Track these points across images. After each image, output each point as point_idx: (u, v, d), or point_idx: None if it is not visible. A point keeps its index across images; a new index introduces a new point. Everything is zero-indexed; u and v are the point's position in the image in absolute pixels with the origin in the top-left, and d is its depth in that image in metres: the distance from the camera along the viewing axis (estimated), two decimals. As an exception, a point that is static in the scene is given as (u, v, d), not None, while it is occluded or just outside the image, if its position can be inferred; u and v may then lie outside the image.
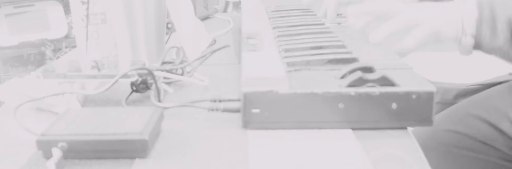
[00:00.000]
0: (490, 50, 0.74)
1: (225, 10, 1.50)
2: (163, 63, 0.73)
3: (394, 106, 0.54)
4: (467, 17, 0.72)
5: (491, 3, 0.72)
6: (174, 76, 0.69)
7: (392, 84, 0.54)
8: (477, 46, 0.74)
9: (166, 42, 0.89)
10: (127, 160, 0.49)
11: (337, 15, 0.96)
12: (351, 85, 0.54)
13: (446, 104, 1.04)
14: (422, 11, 0.76)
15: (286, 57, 0.67)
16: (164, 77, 0.69)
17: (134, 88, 0.67)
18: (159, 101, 0.64)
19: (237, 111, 0.57)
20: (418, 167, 0.47)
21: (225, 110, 0.58)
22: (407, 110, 0.54)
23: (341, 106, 0.54)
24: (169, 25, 0.92)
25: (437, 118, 0.56)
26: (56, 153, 0.47)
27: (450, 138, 0.93)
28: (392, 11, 0.77)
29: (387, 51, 0.72)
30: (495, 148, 0.90)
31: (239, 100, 0.58)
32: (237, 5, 1.48)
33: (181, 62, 0.74)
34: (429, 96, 0.54)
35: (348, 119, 0.54)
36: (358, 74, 0.55)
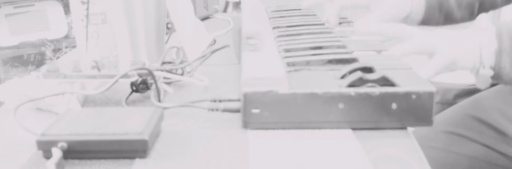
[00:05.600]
0: (510, 81, 0.71)
1: (225, 10, 1.50)
2: (163, 63, 0.73)
3: (394, 106, 0.54)
4: (486, 48, 0.69)
5: (511, 33, 0.69)
6: (174, 76, 0.69)
7: (392, 84, 0.54)
8: (496, 77, 0.71)
9: (166, 42, 0.89)
10: (127, 160, 0.49)
11: (340, 18, 0.95)
12: (351, 85, 0.54)
13: (446, 104, 1.04)
14: (437, 38, 0.72)
15: (286, 57, 0.67)
16: (164, 78, 0.69)
17: (134, 88, 0.67)
18: (159, 101, 0.64)
19: (237, 111, 0.57)
20: (418, 167, 0.47)
21: (225, 110, 0.58)
22: (407, 110, 0.54)
23: (341, 106, 0.54)
24: (169, 25, 0.92)
25: (437, 118, 0.56)
26: (56, 153, 0.47)
27: (449, 139, 0.93)
28: (405, 34, 0.74)
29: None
30: (495, 149, 0.90)
31: (239, 100, 0.58)
32: (237, 5, 1.48)
33: (181, 62, 0.74)
34: (429, 96, 0.54)
35: (348, 119, 0.54)
36: (358, 74, 0.55)
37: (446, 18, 0.92)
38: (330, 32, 0.83)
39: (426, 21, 0.91)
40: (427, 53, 0.72)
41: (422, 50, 0.72)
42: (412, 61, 0.68)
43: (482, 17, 0.73)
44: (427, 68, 0.70)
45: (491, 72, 0.70)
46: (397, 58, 0.69)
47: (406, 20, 0.91)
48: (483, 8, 0.92)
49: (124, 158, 0.49)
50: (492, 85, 1.00)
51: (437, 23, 0.92)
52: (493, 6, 0.93)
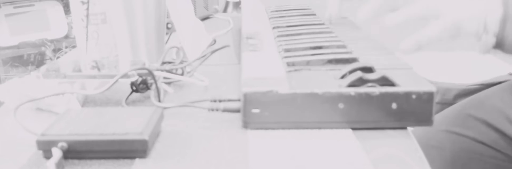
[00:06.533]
0: (511, 50, 0.70)
1: (225, 10, 1.50)
2: (163, 63, 0.73)
3: (394, 106, 0.54)
4: (491, 15, 0.67)
5: None
6: (174, 76, 0.69)
7: (392, 84, 0.54)
8: (498, 45, 0.69)
9: (166, 42, 0.89)
10: (127, 160, 0.49)
11: (341, 18, 0.95)
12: (351, 85, 0.54)
13: (446, 104, 1.04)
14: (443, 1, 0.70)
15: (286, 57, 0.67)
16: (164, 77, 0.69)
17: (134, 88, 0.67)
18: (159, 101, 0.64)
19: (237, 111, 0.57)
20: (418, 167, 0.47)
21: (225, 110, 0.58)
22: (407, 110, 0.54)
23: (341, 106, 0.54)
24: (169, 25, 0.92)
25: (436, 118, 0.56)
26: (56, 153, 0.47)
27: (449, 139, 0.93)
28: None
29: (387, 51, 0.72)
30: (495, 148, 0.90)
31: (239, 100, 0.58)
32: (237, 5, 1.48)
33: (181, 62, 0.74)
34: (429, 96, 0.54)
35: (348, 119, 0.54)
36: (358, 74, 0.55)
37: None
38: (330, 32, 0.83)
39: None
40: (431, 17, 0.70)
41: (426, 14, 0.70)
42: (412, 61, 0.68)
43: None
44: (429, 29, 0.69)
45: (494, 40, 0.69)
46: (400, 54, 0.68)
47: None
48: None
49: (124, 158, 0.49)
50: (492, 85, 1.00)
51: None
52: None
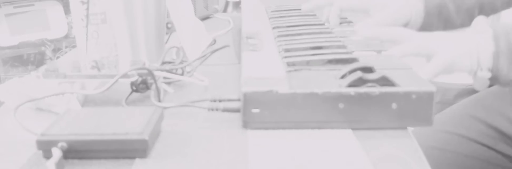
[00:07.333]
0: (507, 83, 0.72)
1: (225, 10, 1.50)
2: (163, 63, 0.73)
3: (394, 106, 0.54)
4: (483, 50, 0.69)
5: (508, 35, 0.69)
6: (174, 76, 0.69)
7: (392, 84, 0.54)
8: (494, 79, 0.71)
9: (166, 42, 0.89)
10: (127, 160, 0.49)
11: (341, 19, 0.95)
12: (351, 85, 0.54)
13: (446, 104, 1.04)
14: (434, 40, 0.72)
15: (286, 57, 0.67)
16: (164, 77, 0.69)
17: (134, 88, 0.67)
18: (159, 101, 0.64)
19: (237, 110, 0.57)
20: (418, 167, 0.47)
21: (225, 110, 0.58)
22: (407, 110, 0.54)
23: (341, 106, 0.54)
24: (169, 25, 0.92)
25: (436, 118, 0.56)
26: (56, 153, 0.47)
27: (449, 139, 0.93)
28: (402, 37, 0.74)
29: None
30: (494, 149, 0.90)
31: (239, 100, 0.58)
32: (237, 5, 1.48)
33: (181, 62, 0.74)
34: (429, 96, 0.54)
35: (348, 119, 0.54)
36: (358, 74, 0.55)
37: (446, 24, 0.92)
38: (330, 32, 0.83)
39: (425, 27, 0.91)
40: (425, 56, 0.72)
41: (420, 52, 0.72)
42: (412, 61, 0.68)
43: (479, 19, 0.73)
44: (426, 70, 0.70)
45: (489, 75, 0.70)
46: (397, 58, 0.69)
47: (405, 26, 0.91)
48: (483, 13, 0.92)
49: (124, 158, 0.49)
50: (492, 85, 1.00)
51: (436, 29, 0.92)
52: (493, 11, 0.93)
